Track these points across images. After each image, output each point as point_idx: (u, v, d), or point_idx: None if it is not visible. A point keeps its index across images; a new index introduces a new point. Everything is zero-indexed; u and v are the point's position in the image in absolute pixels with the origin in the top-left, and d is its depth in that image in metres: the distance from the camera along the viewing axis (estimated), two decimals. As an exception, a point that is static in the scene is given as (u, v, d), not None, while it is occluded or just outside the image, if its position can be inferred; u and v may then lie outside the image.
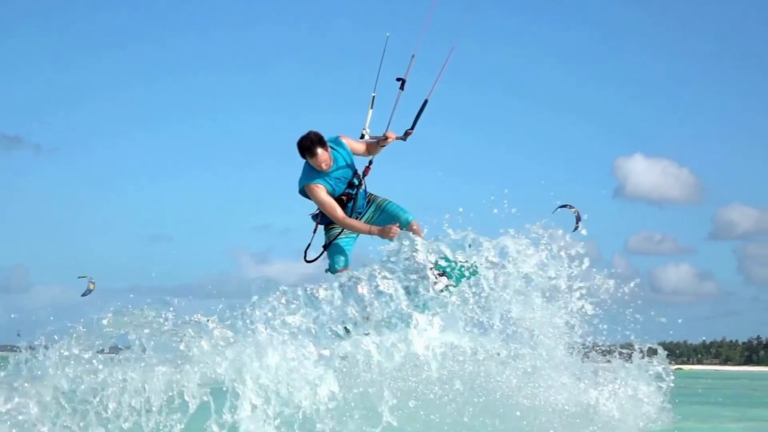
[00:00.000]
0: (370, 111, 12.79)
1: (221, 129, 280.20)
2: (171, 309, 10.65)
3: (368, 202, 12.58)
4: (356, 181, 12.36)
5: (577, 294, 12.18)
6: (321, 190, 12.11)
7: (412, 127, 12.71)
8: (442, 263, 11.56)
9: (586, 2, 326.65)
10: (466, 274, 11.62)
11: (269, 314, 10.74)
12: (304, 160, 12.19)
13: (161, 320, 10.57)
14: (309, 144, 11.90)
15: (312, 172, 12.17)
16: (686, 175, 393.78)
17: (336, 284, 11.23)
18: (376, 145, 12.51)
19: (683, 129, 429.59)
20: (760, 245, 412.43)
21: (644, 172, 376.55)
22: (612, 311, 12.97)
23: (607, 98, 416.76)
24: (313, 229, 12.52)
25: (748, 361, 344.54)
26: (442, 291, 11.51)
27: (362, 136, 12.63)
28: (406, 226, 12.17)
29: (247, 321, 10.66)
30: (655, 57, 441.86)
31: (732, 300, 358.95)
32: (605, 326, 12.94)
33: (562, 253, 12.24)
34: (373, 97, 12.77)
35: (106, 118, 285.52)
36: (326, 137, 12.17)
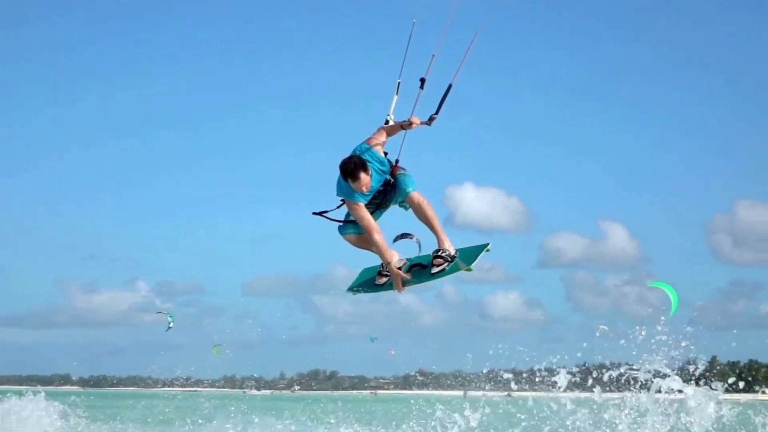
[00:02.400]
0: (395, 96, 12.80)
1: (59, 160, 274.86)
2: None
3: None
4: (390, 178, 13.01)
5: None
6: (360, 209, 12.82)
7: (437, 112, 12.79)
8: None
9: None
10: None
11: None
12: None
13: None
14: (353, 168, 12.48)
15: (350, 189, 12.80)
16: (515, 203, 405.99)
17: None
18: (398, 128, 12.81)
19: (511, 158, 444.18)
20: (587, 273, 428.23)
21: (474, 201, 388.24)
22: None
23: (436, 127, 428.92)
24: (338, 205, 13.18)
25: (576, 388, 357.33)
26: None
27: (387, 122, 12.80)
28: (405, 197, 12.92)
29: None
30: (481, 83, 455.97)
31: (560, 327, 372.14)
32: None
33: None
34: (399, 83, 12.79)
35: None
36: (357, 147, 12.78)
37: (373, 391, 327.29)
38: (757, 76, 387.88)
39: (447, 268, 13.31)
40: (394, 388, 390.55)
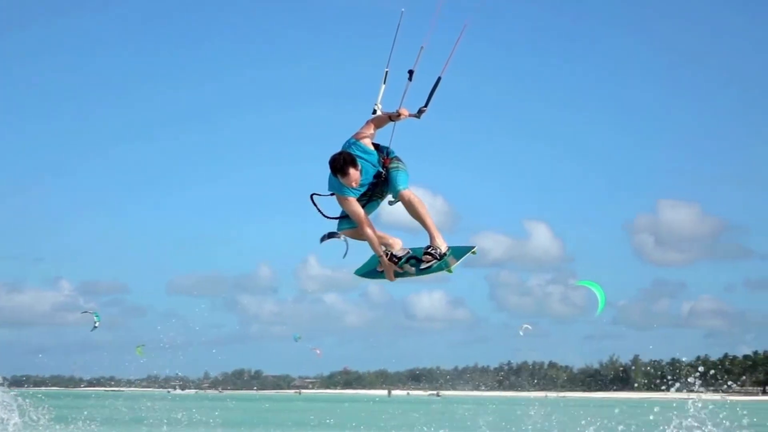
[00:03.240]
0: (383, 86, 12.71)
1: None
2: None
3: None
4: (381, 170, 13.05)
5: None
6: (351, 203, 12.94)
7: (426, 105, 12.76)
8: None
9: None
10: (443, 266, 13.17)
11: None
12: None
13: None
14: (342, 164, 12.50)
15: (341, 184, 12.84)
16: (440, 203, 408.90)
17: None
18: (387, 119, 12.73)
19: (435, 157, 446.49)
20: (510, 272, 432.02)
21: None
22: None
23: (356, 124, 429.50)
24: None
25: (500, 386, 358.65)
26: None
27: (374, 112, 12.74)
28: (396, 196, 13.07)
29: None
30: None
31: (484, 326, 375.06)
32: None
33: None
34: (386, 72, 12.67)
35: None
36: (345, 142, 12.80)
37: (298, 390, 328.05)
38: (680, 77, 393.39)
39: (434, 265, 13.46)
40: (318, 388, 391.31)
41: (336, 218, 13.55)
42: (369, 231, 13.23)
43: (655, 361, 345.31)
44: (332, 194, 13.09)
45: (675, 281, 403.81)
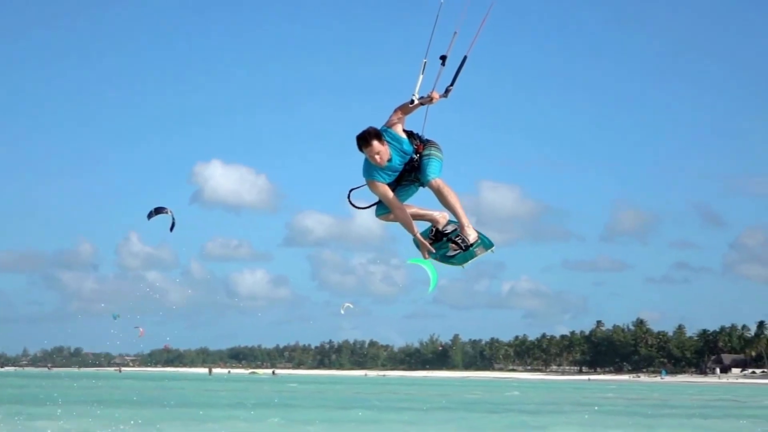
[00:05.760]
0: (421, 76, 12.94)
1: None
2: None
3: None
4: (414, 156, 13.08)
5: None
6: (379, 187, 12.99)
7: (452, 84, 13.00)
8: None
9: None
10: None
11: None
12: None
13: None
14: (365, 135, 12.71)
15: (369, 167, 13.00)
16: (263, 182, 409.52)
17: None
18: (416, 106, 12.87)
19: (261, 136, 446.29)
20: (333, 252, 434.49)
21: (222, 178, 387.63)
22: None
23: (190, 105, 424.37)
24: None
25: (321, 365, 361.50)
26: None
27: (412, 101, 12.88)
28: (426, 184, 13.06)
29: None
30: (234, 58, 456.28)
31: (306, 305, 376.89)
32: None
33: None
34: (425, 62, 12.98)
35: None
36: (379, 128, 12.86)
37: (118, 368, 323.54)
38: (505, 59, 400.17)
39: (458, 255, 13.40)
40: (139, 365, 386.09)
41: (369, 206, 13.45)
42: (400, 213, 13.16)
43: (474, 340, 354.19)
44: (365, 183, 13.13)
45: (495, 262, 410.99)
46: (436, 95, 12.69)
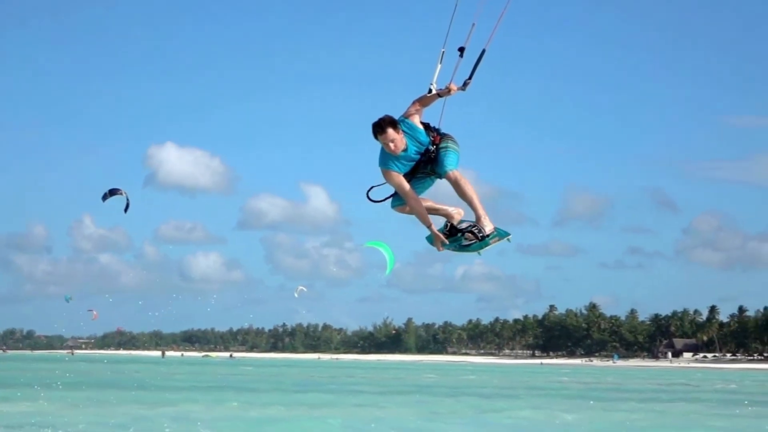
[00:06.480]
0: (439, 66, 12.99)
1: None
2: None
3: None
4: (430, 148, 13.14)
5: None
6: (394, 177, 13.08)
7: (470, 77, 13.05)
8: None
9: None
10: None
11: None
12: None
13: None
14: (380, 123, 12.77)
15: (384, 157, 13.08)
16: (217, 164, 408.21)
17: None
18: (435, 97, 12.97)
19: (212, 118, 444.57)
20: (287, 235, 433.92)
21: (176, 161, 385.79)
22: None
23: (145, 87, 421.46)
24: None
25: (274, 348, 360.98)
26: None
27: (430, 90, 12.95)
28: (444, 176, 13.16)
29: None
30: (180, 45, 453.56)
31: (260, 288, 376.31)
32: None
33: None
34: (443, 52, 13.00)
35: None
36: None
37: (71, 351, 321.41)
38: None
39: (474, 244, 13.47)
40: (92, 348, 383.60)
41: (385, 199, 13.50)
42: (415, 204, 13.20)
43: (428, 324, 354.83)
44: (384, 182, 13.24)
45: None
46: (454, 87, 12.74)
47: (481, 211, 13.32)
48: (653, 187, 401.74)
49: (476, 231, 13.32)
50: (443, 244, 13.40)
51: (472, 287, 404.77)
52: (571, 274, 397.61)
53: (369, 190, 13.46)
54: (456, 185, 13.07)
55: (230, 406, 48.50)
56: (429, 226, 13.26)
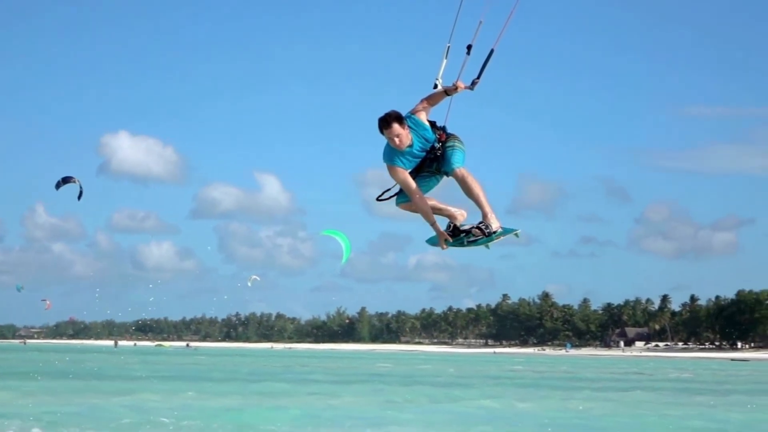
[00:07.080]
0: (444, 61, 13.01)
1: None
2: None
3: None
4: (436, 145, 13.16)
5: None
6: (399, 173, 13.09)
7: (479, 77, 13.05)
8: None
9: None
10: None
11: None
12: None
13: None
14: (386, 117, 12.76)
15: (390, 152, 13.10)
16: (170, 153, 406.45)
17: None
18: (442, 94, 13.03)
19: (166, 107, 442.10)
20: (240, 224, 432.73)
21: (129, 150, 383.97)
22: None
23: (99, 74, 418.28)
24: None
25: (227, 338, 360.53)
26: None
27: (435, 86, 13.00)
28: (451, 173, 13.16)
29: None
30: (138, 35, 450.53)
31: (213, 277, 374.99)
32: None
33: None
34: (448, 47, 12.97)
35: None
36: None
37: (23, 340, 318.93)
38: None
39: (481, 239, 13.51)
40: (44, 338, 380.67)
41: (391, 196, 13.57)
42: (420, 201, 13.23)
43: (381, 313, 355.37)
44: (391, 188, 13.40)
45: (402, 234, 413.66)
46: (461, 85, 12.81)
47: (488, 209, 13.33)
48: (606, 176, 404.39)
49: (483, 227, 13.35)
50: (446, 242, 13.51)
51: (425, 276, 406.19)
52: (524, 264, 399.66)
53: (380, 195, 13.52)
54: (463, 183, 13.07)
55: (187, 396, 48.27)
56: (433, 224, 13.36)
